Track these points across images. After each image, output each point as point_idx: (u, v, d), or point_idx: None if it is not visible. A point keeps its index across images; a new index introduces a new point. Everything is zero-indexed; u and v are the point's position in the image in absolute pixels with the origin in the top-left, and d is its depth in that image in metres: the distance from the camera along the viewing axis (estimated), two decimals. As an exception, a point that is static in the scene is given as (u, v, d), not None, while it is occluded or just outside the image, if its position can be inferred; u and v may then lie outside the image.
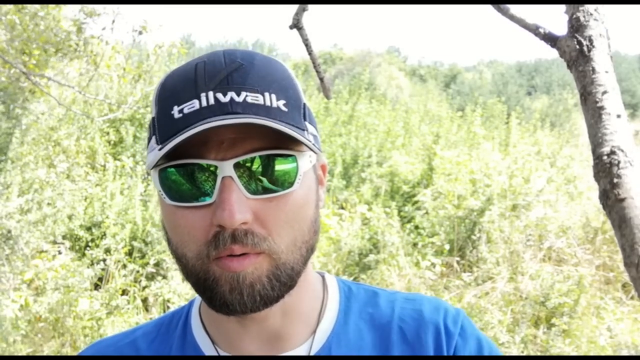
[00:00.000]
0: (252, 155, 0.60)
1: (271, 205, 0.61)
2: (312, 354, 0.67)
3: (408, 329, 0.70)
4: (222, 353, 0.68)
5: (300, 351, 0.67)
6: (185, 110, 0.60)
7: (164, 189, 0.62)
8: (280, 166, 0.61)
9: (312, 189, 0.66)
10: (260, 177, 0.61)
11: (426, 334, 0.69)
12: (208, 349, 0.69)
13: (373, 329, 0.70)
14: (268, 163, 0.61)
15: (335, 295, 0.73)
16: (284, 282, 0.62)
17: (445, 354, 0.68)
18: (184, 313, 0.75)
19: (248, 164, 0.60)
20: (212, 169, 0.60)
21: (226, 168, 0.59)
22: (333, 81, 14.13)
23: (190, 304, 0.76)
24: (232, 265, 0.60)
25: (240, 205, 0.59)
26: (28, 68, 3.95)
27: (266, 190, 0.61)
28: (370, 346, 0.68)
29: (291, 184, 0.61)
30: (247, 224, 0.60)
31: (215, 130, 0.58)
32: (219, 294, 0.61)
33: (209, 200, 0.60)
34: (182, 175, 0.61)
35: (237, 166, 0.60)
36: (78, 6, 4.29)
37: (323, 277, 0.75)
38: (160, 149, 0.60)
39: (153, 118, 0.65)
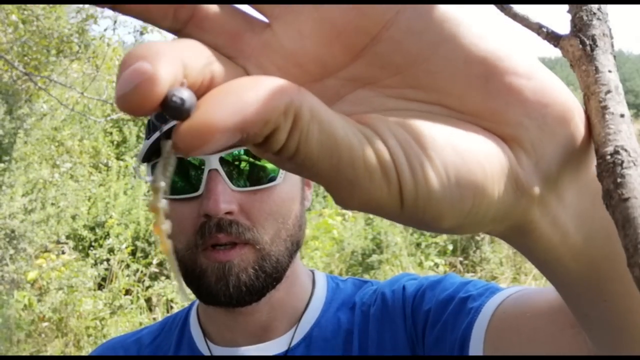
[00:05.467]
0: (237, 149, 0.64)
1: (256, 197, 0.64)
2: (293, 343, 0.69)
3: (365, 306, 0.71)
4: (213, 346, 0.71)
5: (283, 340, 0.69)
6: None
7: None
8: (264, 161, 0.65)
9: (297, 186, 0.69)
10: (245, 171, 0.65)
11: (375, 305, 0.69)
12: (200, 343, 0.72)
13: (349, 313, 0.71)
14: (253, 157, 0.65)
15: (322, 290, 0.74)
16: (269, 273, 0.65)
17: (406, 318, 0.67)
18: (186, 311, 0.78)
19: (233, 158, 0.65)
20: (199, 163, 0.64)
21: (212, 161, 0.63)
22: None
23: (193, 303, 0.78)
24: (219, 255, 0.63)
25: (225, 196, 0.62)
26: (29, 69, 3.96)
27: (251, 184, 0.65)
28: (344, 329, 0.69)
29: (274, 178, 0.65)
30: (232, 215, 0.63)
31: None
32: (205, 284, 0.64)
33: (196, 193, 0.64)
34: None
35: (222, 160, 0.64)
36: (75, 8, 4.30)
37: (313, 274, 0.77)
38: (148, 139, 0.66)
39: (149, 121, 0.71)
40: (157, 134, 0.67)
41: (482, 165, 0.21)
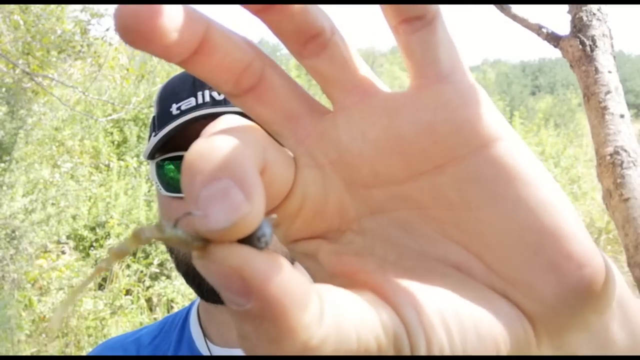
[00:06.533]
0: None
1: None
2: None
3: None
4: (213, 346, 0.71)
5: None
6: (183, 107, 0.64)
7: (160, 180, 0.67)
8: None
9: None
10: None
11: None
12: (200, 343, 0.72)
13: None
14: None
15: None
16: None
17: None
18: (186, 311, 0.78)
19: None
20: None
21: None
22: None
23: (193, 303, 0.78)
24: None
25: None
26: (32, 69, 3.97)
27: None
28: None
29: None
30: None
31: (209, 124, 0.62)
32: (207, 281, 0.63)
33: None
34: (177, 167, 0.66)
35: None
36: (80, 6, 4.30)
37: None
38: (155, 136, 0.66)
39: (154, 117, 0.70)
40: (167, 129, 0.65)
41: (498, 352, 0.18)
